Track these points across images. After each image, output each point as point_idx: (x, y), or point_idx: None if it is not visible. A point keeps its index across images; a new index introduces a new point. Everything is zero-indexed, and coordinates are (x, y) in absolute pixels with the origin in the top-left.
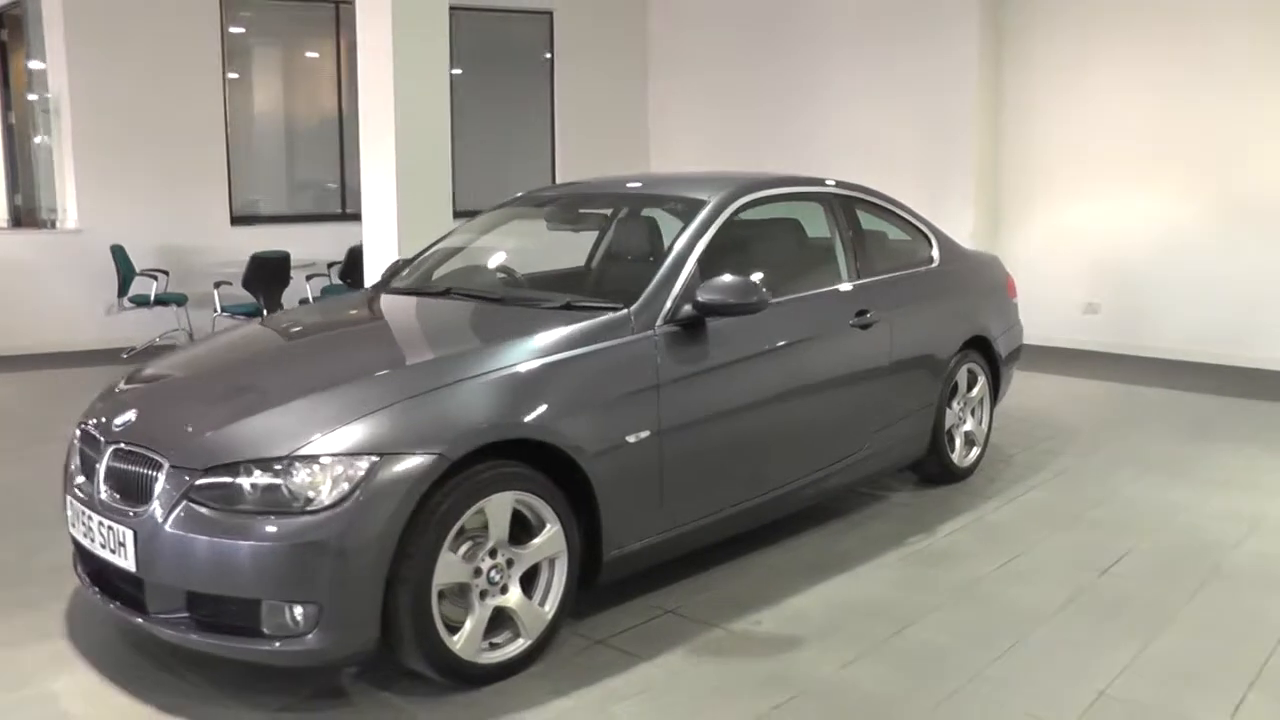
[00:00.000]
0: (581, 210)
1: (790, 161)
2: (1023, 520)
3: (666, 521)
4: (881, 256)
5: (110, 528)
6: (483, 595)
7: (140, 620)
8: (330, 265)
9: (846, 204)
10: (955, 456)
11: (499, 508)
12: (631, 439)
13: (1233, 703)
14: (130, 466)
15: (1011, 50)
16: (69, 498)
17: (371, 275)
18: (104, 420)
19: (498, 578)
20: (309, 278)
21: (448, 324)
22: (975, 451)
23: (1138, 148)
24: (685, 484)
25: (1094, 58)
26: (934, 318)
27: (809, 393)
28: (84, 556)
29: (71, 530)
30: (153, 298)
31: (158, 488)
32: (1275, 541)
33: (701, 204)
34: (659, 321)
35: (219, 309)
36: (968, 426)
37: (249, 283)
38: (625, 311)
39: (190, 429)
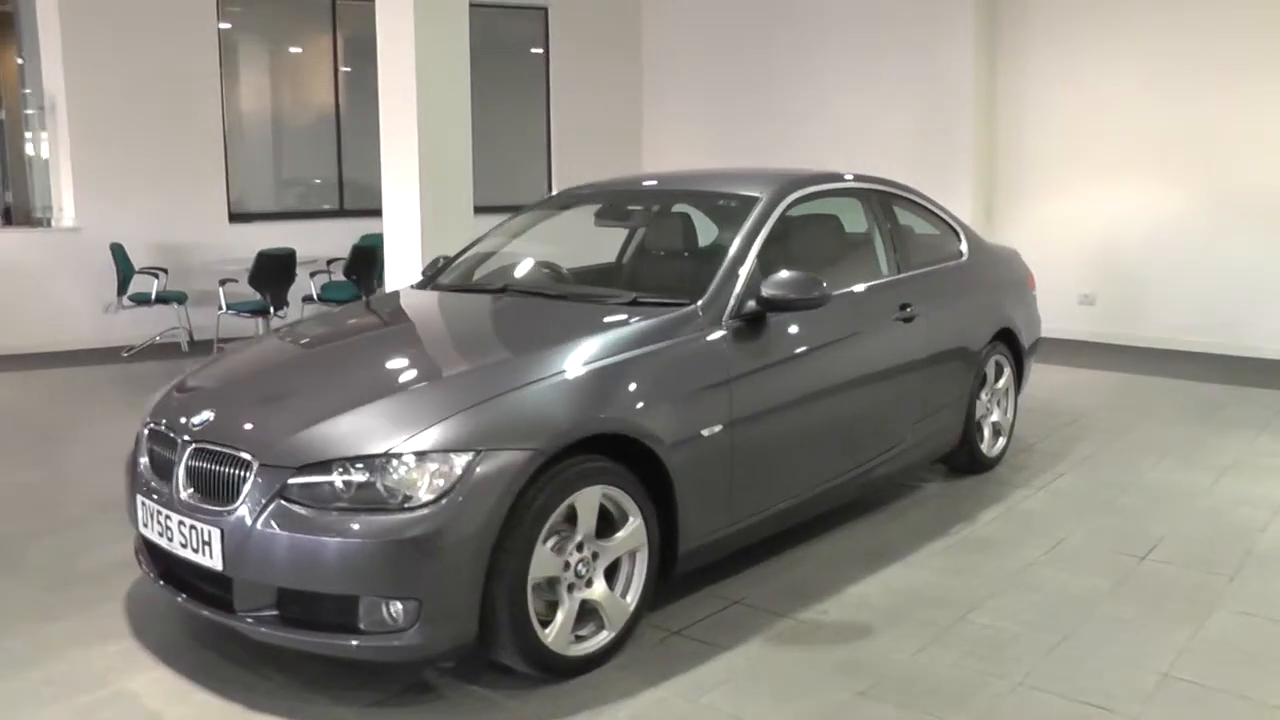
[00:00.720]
0: (631, 207)
1: (787, 155)
2: (1056, 508)
3: (735, 514)
4: (916, 251)
5: (193, 527)
6: (570, 588)
7: (225, 618)
8: (330, 262)
9: (884, 199)
10: (984, 446)
11: (588, 501)
12: (706, 433)
13: None
14: (214, 466)
15: (1006, 43)
16: (140, 497)
17: (392, 272)
18: (178, 420)
19: (584, 571)
20: (313, 274)
21: (519, 321)
22: (1002, 441)
23: (1131, 140)
24: (752, 476)
25: (1087, 51)
26: (966, 311)
27: (860, 385)
28: (154, 555)
29: (143, 530)
30: (154, 296)
31: (246, 486)
32: None
33: (755, 200)
34: (726, 316)
35: (224, 307)
36: (994, 417)
37: (256, 280)
38: (694, 307)
39: (279, 427)
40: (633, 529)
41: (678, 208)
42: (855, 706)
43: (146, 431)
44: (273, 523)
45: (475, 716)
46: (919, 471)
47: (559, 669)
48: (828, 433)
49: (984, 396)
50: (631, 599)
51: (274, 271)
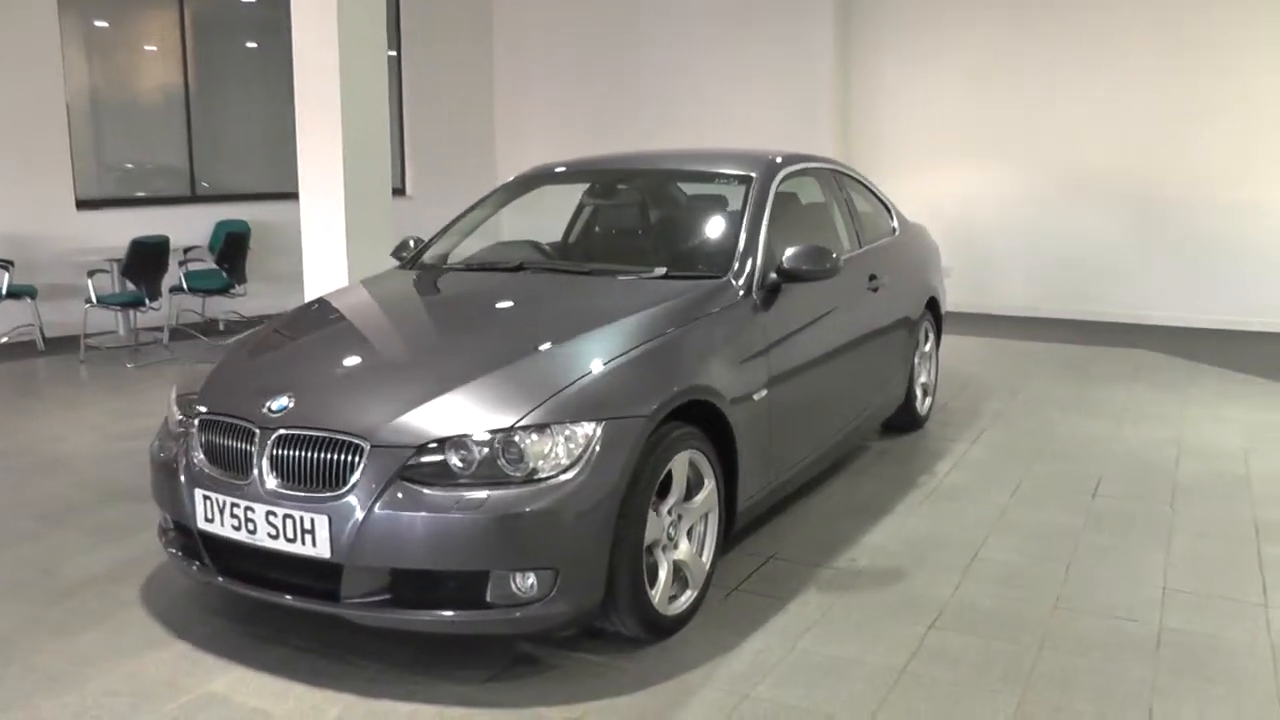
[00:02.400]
0: (619, 185)
1: (648, 140)
2: (996, 458)
3: (772, 473)
4: (867, 227)
5: (288, 516)
6: (664, 551)
7: (324, 607)
8: (187, 250)
9: (839, 177)
10: (918, 404)
11: (680, 466)
12: (756, 396)
13: (1260, 584)
14: (309, 452)
15: (862, 33)
16: (200, 491)
17: (311, 261)
18: (247, 408)
19: (673, 534)
20: (181, 263)
21: (568, 296)
22: (929, 400)
23: (979, 124)
24: (783, 437)
25: (939, 41)
26: (908, 281)
27: (845, 351)
28: (214, 550)
29: (205, 525)
30: (4, 290)
31: (357, 471)
32: (1204, 461)
33: (750, 178)
34: (754, 288)
35: (94, 300)
36: (923, 378)
37: (130, 270)
38: (726, 278)
39: (382, 408)
40: (709, 491)
41: (668, 185)
42: (935, 639)
43: (197, 422)
44: (394, 505)
45: (598, 680)
46: (867, 431)
47: (662, 629)
48: (829, 394)
49: (916, 359)
50: (707, 558)
51: (150, 261)
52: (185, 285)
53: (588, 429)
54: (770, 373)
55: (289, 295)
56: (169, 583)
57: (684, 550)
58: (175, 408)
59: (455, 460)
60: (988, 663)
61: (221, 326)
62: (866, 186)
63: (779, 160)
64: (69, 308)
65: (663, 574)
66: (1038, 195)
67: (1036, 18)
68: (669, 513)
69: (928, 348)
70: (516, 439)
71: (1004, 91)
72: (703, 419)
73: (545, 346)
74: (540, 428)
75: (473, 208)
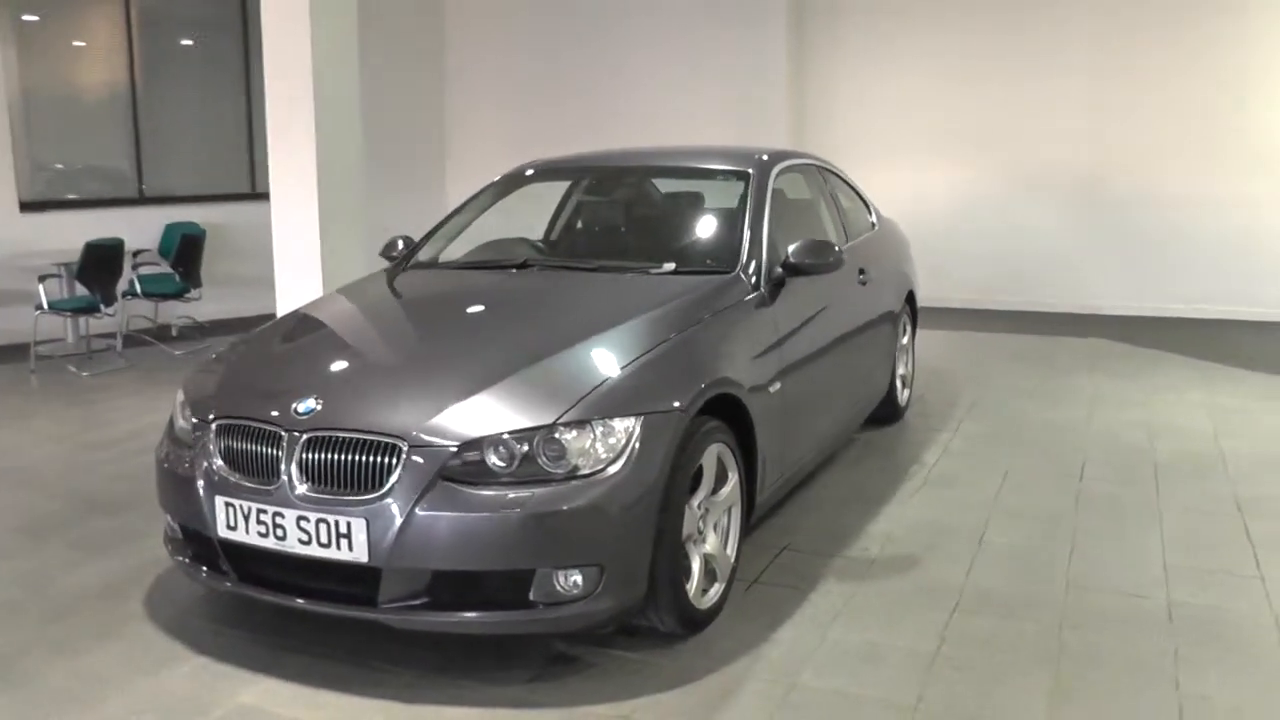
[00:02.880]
0: (615, 182)
1: (601, 138)
2: (980, 446)
3: (785, 466)
4: (851, 222)
5: (322, 520)
6: (694, 544)
7: (358, 612)
8: (136, 253)
9: (824, 174)
10: (898, 396)
11: (710, 460)
12: (772, 389)
13: (1252, 557)
14: (343, 455)
15: (815, 36)
16: (220, 499)
17: (284, 264)
18: (271, 410)
19: (703, 527)
20: (135, 267)
21: (582, 293)
22: (907, 392)
23: (931, 122)
24: (795, 429)
25: (890, 45)
26: (889, 275)
27: (842, 343)
28: (233, 558)
29: (227, 534)
30: None
31: (395, 472)
32: (1177, 441)
33: (747, 174)
34: (762, 282)
35: (45, 306)
36: (901, 370)
37: (84, 273)
38: (736, 272)
39: (416, 407)
40: (733, 485)
41: (667, 182)
42: (962, 621)
43: (215, 427)
44: (436, 505)
45: (638, 677)
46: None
47: (695, 622)
48: (830, 388)
49: (896, 351)
50: (731, 550)
51: (105, 264)
52: (139, 289)
53: (627, 424)
54: (781, 365)
55: (242, 299)
56: (172, 594)
57: (712, 543)
58: (185, 412)
59: (495, 459)
60: (1016, 644)
61: (175, 332)
62: (847, 183)
63: (767, 157)
64: (13, 314)
65: (695, 568)
66: (989, 190)
67: (989, 18)
68: (698, 506)
69: (905, 340)
70: (557, 435)
71: (956, 90)
72: (725, 412)
73: (573, 343)
74: (580, 424)
75: (463, 206)
